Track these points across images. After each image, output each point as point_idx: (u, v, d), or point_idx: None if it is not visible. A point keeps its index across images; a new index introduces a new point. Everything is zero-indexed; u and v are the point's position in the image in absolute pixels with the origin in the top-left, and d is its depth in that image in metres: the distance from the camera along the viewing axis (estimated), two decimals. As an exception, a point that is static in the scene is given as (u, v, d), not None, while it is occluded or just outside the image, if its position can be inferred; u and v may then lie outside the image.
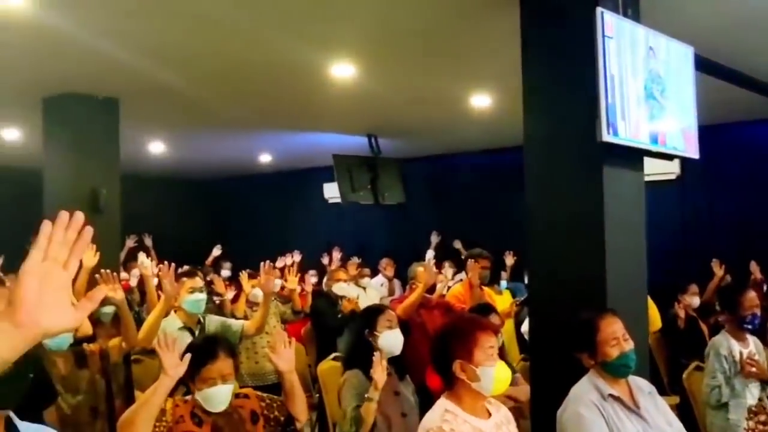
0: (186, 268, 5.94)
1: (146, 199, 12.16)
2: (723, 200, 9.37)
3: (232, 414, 3.14)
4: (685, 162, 7.48)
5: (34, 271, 1.13)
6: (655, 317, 6.43)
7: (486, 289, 6.61)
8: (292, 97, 7.72)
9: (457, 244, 10.70)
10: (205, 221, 14.35)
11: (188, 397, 3.15)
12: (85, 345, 4.33)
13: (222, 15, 5.15)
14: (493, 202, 10.83)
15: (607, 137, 3.83)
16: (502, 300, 7.28)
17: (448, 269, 7.16)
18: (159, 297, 5.13)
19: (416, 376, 4.41)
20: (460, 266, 8.08)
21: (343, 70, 6.53)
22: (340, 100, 7.64)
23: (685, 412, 4.90)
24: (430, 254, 10.28)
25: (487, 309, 5.07)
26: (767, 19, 5.31)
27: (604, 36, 3.85)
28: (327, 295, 7.34)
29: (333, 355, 5.45)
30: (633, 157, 4.20)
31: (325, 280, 8.29)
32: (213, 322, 5.12)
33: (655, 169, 5.29)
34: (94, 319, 4.59)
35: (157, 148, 10.83)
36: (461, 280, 7.10)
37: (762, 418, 4.42)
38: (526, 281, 8.57)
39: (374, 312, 4.39)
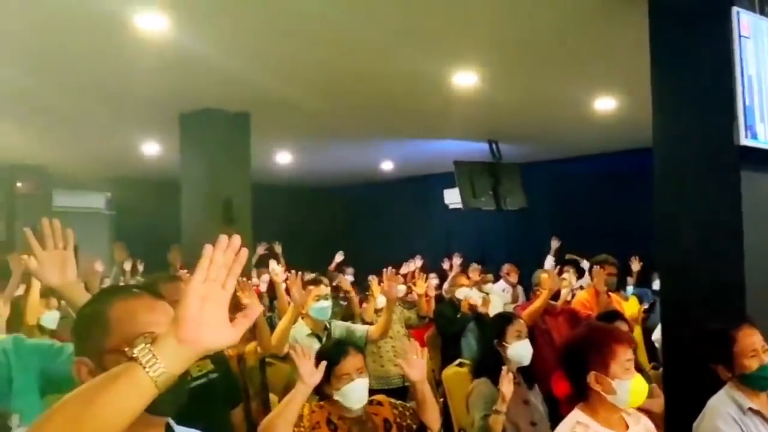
0: (311, 275, 6.12)
1: (274, 208, 12.55)
2: None
3: (367, 422, 3.22)
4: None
5: (197, 291, 1.22)
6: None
7: (613, 295, 6.45)
8: (413, 106, 7.82)
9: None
10: (330, 228, 14.67)
11: (323, 403, 3.26)
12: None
13: (346, 30, 5.31)
14: (615, 205, 10.55)
15: (745, 141, 3.67)
16: (629, 306, 7.06)
17: (572, 275, 7.03)
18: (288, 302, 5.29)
19: (541, 383, 4.38)
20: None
21: (465, 79, 6.57)
22: (462, 107, 7.67)
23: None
24: (549, 260, 10.11)
25: (614, 316, 4.96)
26: None
27: (740, 36, 3.71)
28: (451, 300, 7.37)
29: (458, 361, 5.46)
30: (773, 160, 4.01)
31: (445, 285, 8.31)
32: (338, 327, 5.24)
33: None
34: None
35: (284, 158, 11.22)
36: (581, 287, 6.96)
37: None
38: (653, 287, 8.29)
39: (504, 321, 4.37)
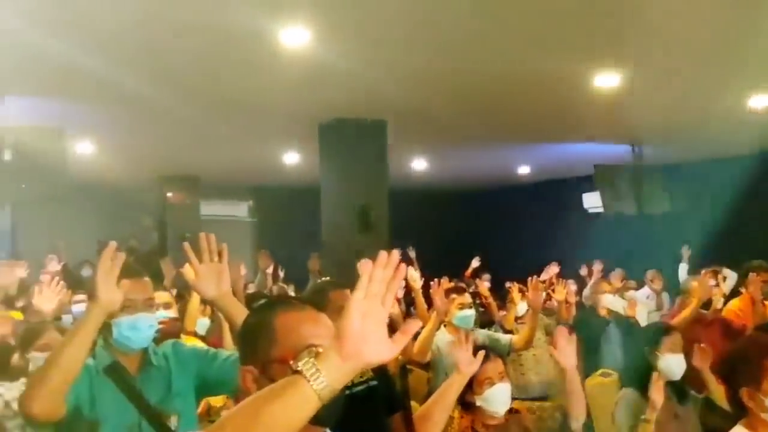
0: (452, 283, 6.10)
1: (411, 214, 12.64)
2: None
3: (510, 427, 3.20)
4: None
5: (358, 307, 1.23)
6: None
7: (768, 304, 6.08)
8: (551, 109, 7.69)
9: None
10: (464, 233, 14.63)
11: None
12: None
13: (481, 35, 5.30)
14: (764, 207, 9.94)
15: None
16: (788, 317, 6.64)
17: (724, 283, 6.67)
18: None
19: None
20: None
21: (607, 80, 6.40)
22: (603, 109, 7.47)
23: None
24: (683, 268, 9.58)
25: (774, 327, 4.66)
26: None
27: None
28: (593, 307, 7.18)
29: (600, 371, 5.31)
30: None
31: (586, 292, 8.09)
32: (481, 335, 5.20)
33: None
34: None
35: (420, 164, 11.31)
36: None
37: None
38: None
39: (660, 331, 4.21)
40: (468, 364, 3.01)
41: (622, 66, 6.11)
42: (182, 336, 4.43)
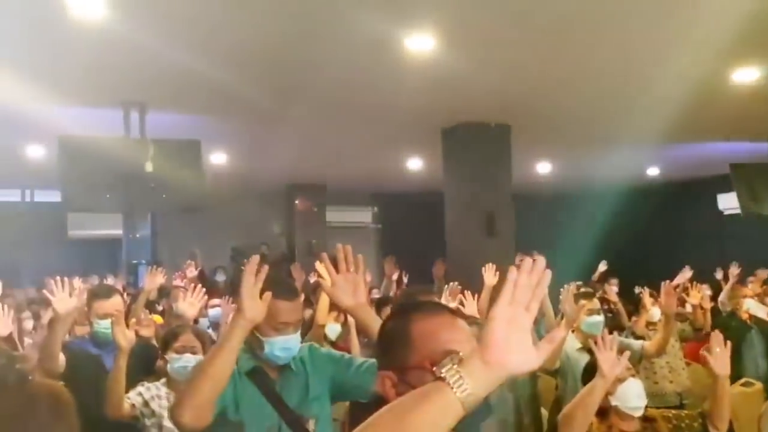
0: (581, 288, 5.97)
1: (535, 218, 12.48)
2: None
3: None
4: None
5: (503, 314, 1.22)
6: None
7: None
8: (686, 107, 7.38)
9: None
10: (591, 237, 14.26)
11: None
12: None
13: (609, 34, 5.18)
14: None
15: None
16: None
17: None
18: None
19: None
20: None
21: (745, 75, 6.12)
22: (740, 106, 7.13)
23: None
24: None
25: None
26: None
27: None
28: (733, 312, 6.85)
29: (743, 380, 5.06)
30: None
31: (722, 297, 7.72)
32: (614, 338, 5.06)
33: None
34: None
35: (544, 168, 11.15)
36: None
37: None
38: None
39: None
40: (611, 367, 2.95)
41: (760, 61, 5.81)
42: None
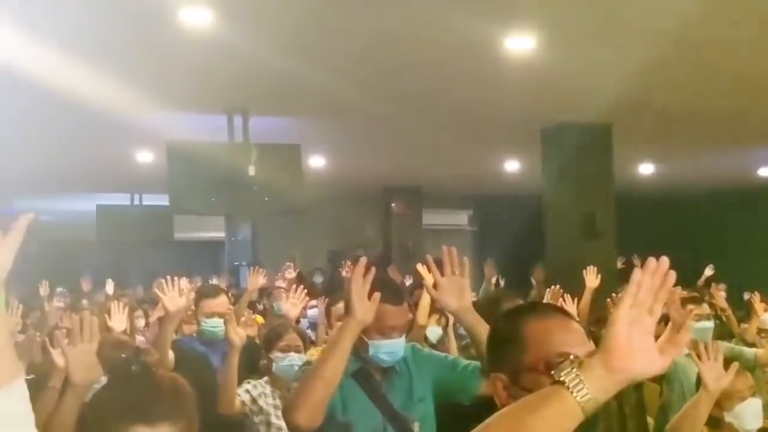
0: (687, 293, 5.76)
1: (637, 220, 12.13)
2: None
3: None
4: None
5: (625, 317, 1.19)
6: None
7: None
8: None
9: None
10: (696, 240, 13.77)
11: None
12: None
13: (711, 29, 5.00)
14: None
15: None
16: None
17: None
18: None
19: None
20: None
21: None
22: None
23: None
24: None
25: None
26: None
27: None
28: None
29: None
30: None
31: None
32: (722, 348, 4.87)
33: None
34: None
35: (647, 168, 10.88)
36: None
37: None
38: None
39: None
40: (716, 379, 2.83)
41: None
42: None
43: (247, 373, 3.71)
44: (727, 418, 2.99)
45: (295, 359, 3.47)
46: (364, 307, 2.28)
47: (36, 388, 2.62)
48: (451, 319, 4.98)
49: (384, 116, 7.29)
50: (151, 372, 1.58)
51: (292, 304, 4.42)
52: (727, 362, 2.97)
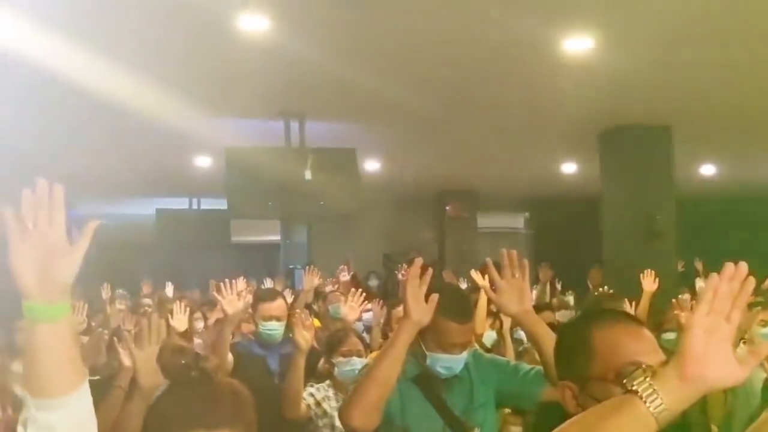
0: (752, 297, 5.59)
1: (700, 223, 11.86)
2: None
3: None
4: None
5: (701, 324, 1.15)
6: None
7: None
8: None
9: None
10: (759, 242, 13.37)
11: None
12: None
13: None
14: None
15: None
16: None
17: None
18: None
19: None
20: None
21: None
22: None
23: None
24: None
25: None
26: None
27: None
28: None
29: None
30: None
31: None
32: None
33: None
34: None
35: (708, 170, 10.65)
36: None
37: None
38: None
39: None
40: None
41: None
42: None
43: (306, 377, 3.73)
44: None
45: (357, 363, 3.46)
46: (420, 308, 2.24)
47: (102, 389, 2.68)
48: (506, 323, 4.93)
49: (439, 120, 7.27)
50: (210, 378, 1.60)
51: (351, 307, 4.42)
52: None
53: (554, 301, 8.26)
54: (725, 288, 1.16)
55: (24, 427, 1.24)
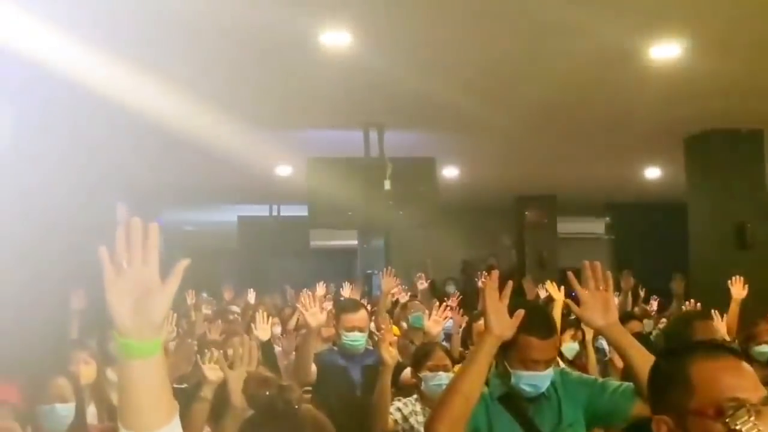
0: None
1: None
2: None
3: None
4: None
5: None
6: None
7: None
8: None
9: None
10: None
11: None
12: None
13: None
14: None
15: None
16: None
17: None
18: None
19: None
20: None
21: None
22: None
23: None
24: None
25: None
26: None
27: None
28: None
29: None
30: None
31: None
32: None
33: None
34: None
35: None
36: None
37: None
38: None
39: None
40: None
41: None
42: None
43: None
44: None
45: (444, 378, 3.45)
46: (501, 322, 2.22)
47: (187, 398, 2.77)
48: (588, 334, 4.84)
49: (518, 127, 7.22)
50: (294, 411, 1.63)
51: (435, 321, 4.37)
52: None
53: (636, 309, 8.08)
54: None
55: None
